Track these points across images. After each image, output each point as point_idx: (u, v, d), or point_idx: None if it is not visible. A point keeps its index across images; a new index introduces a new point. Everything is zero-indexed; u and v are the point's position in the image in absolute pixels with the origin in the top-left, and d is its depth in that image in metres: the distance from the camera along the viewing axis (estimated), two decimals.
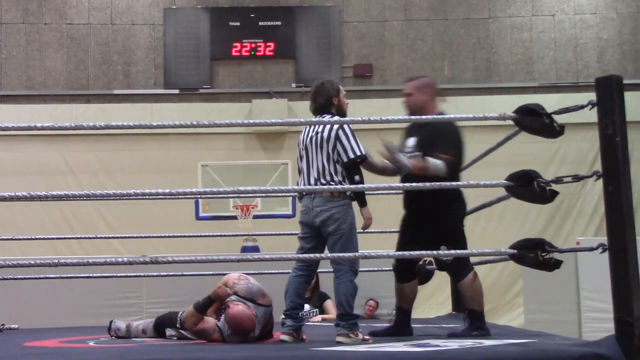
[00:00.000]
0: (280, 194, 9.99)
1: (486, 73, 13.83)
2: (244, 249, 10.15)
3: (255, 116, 12.67)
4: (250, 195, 9.54)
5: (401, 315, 5.87)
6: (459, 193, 5.72)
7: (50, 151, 12.88)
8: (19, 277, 7.73)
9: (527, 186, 4.79)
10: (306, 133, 5.62)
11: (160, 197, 7.96)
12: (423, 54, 13.84)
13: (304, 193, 5.48)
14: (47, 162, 12.84)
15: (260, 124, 12.07)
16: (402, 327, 5.79)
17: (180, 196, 8.49)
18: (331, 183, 5.33)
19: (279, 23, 13.61)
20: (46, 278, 7.74)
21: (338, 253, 5.25)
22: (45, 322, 8.27)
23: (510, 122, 4.93)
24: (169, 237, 9.46)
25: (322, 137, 5.44)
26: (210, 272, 7.31)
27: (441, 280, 9.29)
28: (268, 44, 13.58)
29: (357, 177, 5.34)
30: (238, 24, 13.57)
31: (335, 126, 5.39)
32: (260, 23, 13.59)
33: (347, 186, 5.31)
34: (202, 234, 9.12)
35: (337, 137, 5.38)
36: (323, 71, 13.55)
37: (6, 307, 8.33)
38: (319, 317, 8.61)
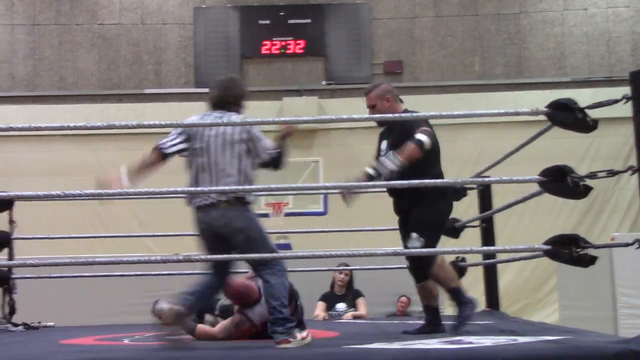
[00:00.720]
0: (311, 192, 10.01)
1: (517, 69, 13.73)
2: (277, 247, 10.16)
3: (285, 114, 12.67)
4: (282, 192, 9.56)
5: (430, 314, 5.84)
6: (444, 193, 5.67)
7: (83, 151, 12.98)
8: (54, 275, 7.81)
9: (560, 182, 4.75)
10: (207, 129, 5.13)
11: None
12: (453, 50, 13.77)
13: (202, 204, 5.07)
14: (80, 161, 12.93)
15: (290, 122, 12.06)
16: (433, 325, 5.77)
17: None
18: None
19: (309, 21, 13.60)
20: (81, 276, 7.82)
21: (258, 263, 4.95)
22: (80, 320, 8.34)
23: (543, 118, 4.89)
24: None
25: (232, 138, 5.00)
26: (243, 270, 7.33)
27: (474, 277, 9.25)
28: (298, 41, 13.59)
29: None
30: (268, 22, 13.60)
31: (247, 127, 5.04)
32: (289, 21, 13.59)
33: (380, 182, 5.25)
34: None
35: (251, 139, 5.03)
36: (353, 68, 13.56)
37: (42, 305, 8.41)
38: (350, 314, 8.61)
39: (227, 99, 5.22)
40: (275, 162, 5.23)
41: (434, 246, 5.53)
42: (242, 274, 5.96)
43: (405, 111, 5.79)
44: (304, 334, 4.92)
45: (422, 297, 5.90)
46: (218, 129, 5.01)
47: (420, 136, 5.39)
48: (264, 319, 5.52)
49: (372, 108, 5.87)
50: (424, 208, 5.56)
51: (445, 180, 5.26)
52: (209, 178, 5.04)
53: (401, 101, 5.93)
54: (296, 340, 4.77)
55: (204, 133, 5.06)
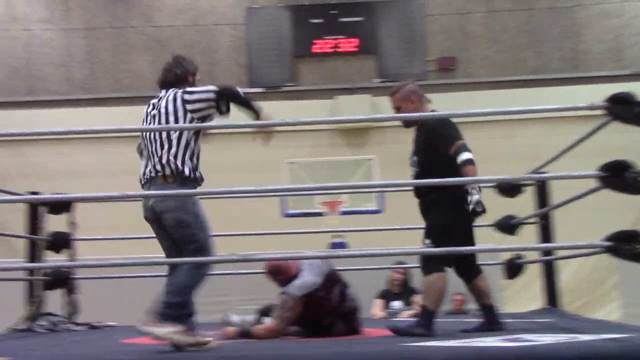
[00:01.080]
0: (365, 190, 9.99)
1: (572, 62, 13.53)
2: (332, 246, 10.17)
3: (338, 112, 12.69)
4: (337, 191, 9.57)
5: (486, 312, 5.79)
6: (464, 198, 5.48)
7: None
8: (115, 275, 7.92)
9: (619, 177, 4.67)
10: (146, 114, 5.12)
11: (247, 194, 8.05)
12: (507, 45, 13.63)
13: (143, 182, 4.95)
14: (137, 162, 13.07)
15: (344, 120, 12.06)
16: (490, 323, 5.71)
17: (266, 193, 8.58)
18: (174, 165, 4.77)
19: (361, 19, 13.60)
20: (140, 277, 7.92)
21: (187, 248, 4.68)
22: (140, 320, 8.44)
23: (600, 112, 4.81)
24: (257, 234, 9.56)
25: (166, 110, 4.91)
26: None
27: (531, 274, 9.15)
28: (350, 40, 13.58)
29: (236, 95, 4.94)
30: (319, 20, 13.62)
31: (179, 95, 4.91)
32: (341, 19, 13.60)
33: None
34: (289, 231, 9.20)
35: (187, 101, 4.89)
36: (406, 65, 13.51)
37: (104, 305, 8.55)
38: (407, 313, 8.58)
39: (169, 80, 5.12)
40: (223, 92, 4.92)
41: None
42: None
43: (432, 111, 5.73)
44: (189, 335, 4.57)
45: (474, 297, 5.86)
46: (159, 107, 4.97)
47: (464, 155, 5.34)
48: (305, 291, 5.54)
49: (398, 110, 5.84)
50: (439, 213, 5.50)
51: (502, 177, 5.20)
52: (146, 153, 4.96)
53: (428, 101, 5.87)
54: (162, 330, 4.48)
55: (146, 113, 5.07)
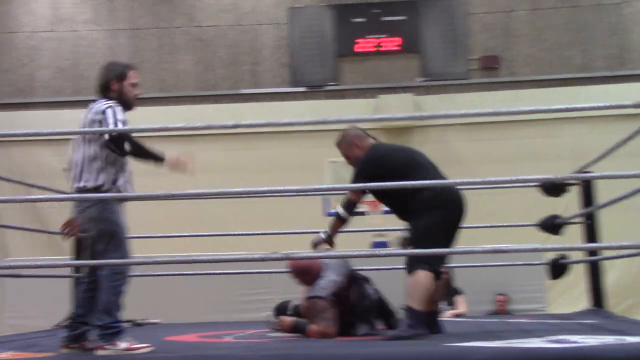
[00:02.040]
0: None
1: (619, 60, 13.34)
2: (375, 245, 10.16)
3: (381, 112, 12.65)
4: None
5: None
6: (438, 203, 5.50)
7: (183, 151, 13.20)
8: (157, 273, 8.00)
9: None
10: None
11: (289, 194, 8.07)
12: (551, 44, 13.48)
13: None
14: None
15: (387, 119, 12.05)
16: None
17: (309, 193, 8.60)
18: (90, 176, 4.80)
19: (403, 18, 13.54)
20: (183, 275, 7.99)
21: (103, 260, 4.71)
22: (183, 317, 8.53)
23: None
24: (299, 233, 9.56)
25: (84, 123, 4.89)
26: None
27: (576, 275, 9.04)
28: (392, 39, 13.54)
29: (126, 147, 4.79)
30: (362, 20, 13.59)
31: (101, 108, 4.86)
32: (384, 18, 13.56)
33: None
34: None
35: (100, 121, 4.84)
36: (449, 64, 13.44)
37: (148, 303, 8.64)
38: (450, 313, 8.54)
39: (99, 87, 5.13)
40: (113, 142, 4.77)
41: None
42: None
43: (370, 146, 5.80)
44: (132, 345, 4.60)
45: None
46: (85, 118, 4.93)
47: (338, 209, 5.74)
48: (330, 291, 5.56)
49: (347, 159, 5.88)
50: (415, 222, 5.56)
51: (542, 176, 5.13)
52: (77, 169, 4.94)
53: (369, 136, 5.91)
54: (114, 349, 4.54)
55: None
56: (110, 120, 4.78)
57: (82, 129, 4.81)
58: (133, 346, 4.60)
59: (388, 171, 5.53)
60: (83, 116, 4.95)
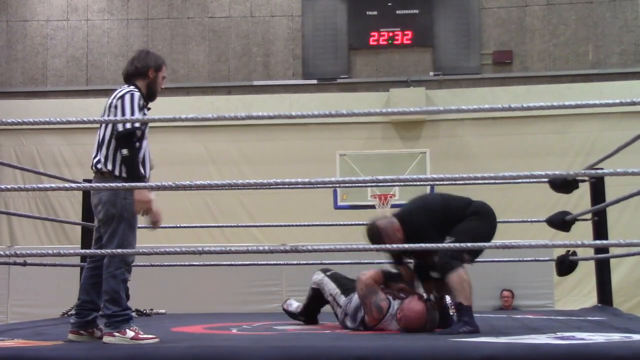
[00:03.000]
0: (418, 183, 9.93)
1: (634, 57, 13.26)
2: None
3: (392, 105, 12.62)
4: (389, 184, 9.53)
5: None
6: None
7: (194, 142, 13.25)
8: (166, 264, 8.01)
9: None
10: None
11: (299, 186, 8.06)
12: (566, 39, 13.42)
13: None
14: (191, 152, 13.23)
15: (398, 113, 12.04)
16: None
17: (319, 185, 8.59)
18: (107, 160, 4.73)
19: (417, 11, 13.50)
20: (191, 265, 8.00)
21: (108, 243, 4.69)
22: (190, 308, 8.55)
23: None
24: (308, 225, 9.58)
25: (108, 105, 4.85)
26: (349, 261, 7.35)
27: (584, 272, 9.01)
28: (406, 32, 13.50)
29: (124, 151, 4.66)
30: (375, 13, 13.56)
31: (120, 94, 4.83)
32: (397, 12, 13.52)
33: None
34: (341, 223, 9.21)
35: (116, 106, 4.79)
36: (462, 59, 13.40)
37: (154, 293, 8.66)
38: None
39: (130, 72, 5.01)
40: (121, 140, 4.70)
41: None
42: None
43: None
44: (140, 334, 4.61)
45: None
46: (108, 101, 4.88)
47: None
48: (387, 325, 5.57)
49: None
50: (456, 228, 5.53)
51: (557, 172, 5.12)
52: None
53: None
54: (122, 337, 4.54)
55: None
56: (128, 110, 4.76)
57: (99, 118, 4.78)
58: (140, 335, 4.62)
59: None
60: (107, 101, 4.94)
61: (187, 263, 8.01)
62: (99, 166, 4.78)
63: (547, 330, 5.23)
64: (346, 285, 6.00)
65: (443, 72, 13.35)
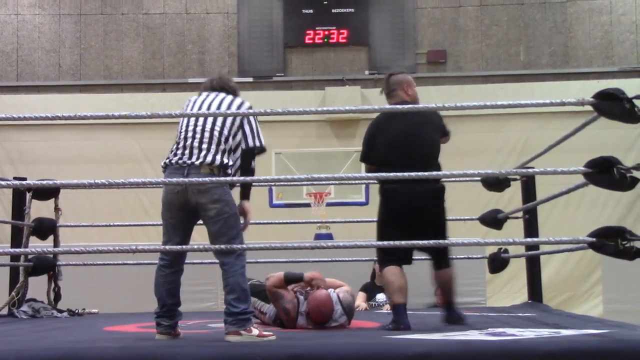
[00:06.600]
0: (353, 182, 9.99)
1: (563, 58, 13.54)
2: (318, 237, 10.16)
3: (328, 104, 12.65)
4: (324, 182, 9.54)
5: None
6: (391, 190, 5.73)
7: (128, 139, 13.08)
8: (99, 262, 7.90)
9: (606, 173, 4.68)
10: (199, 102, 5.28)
11: (237, 185, 8.01)
12: (498, 40, 13.63)
13: (168, 164, 5.01)
14: (124, 150, 13.06)
15: (333, 112, 12.08)
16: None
17: (254, 183, 8.54)
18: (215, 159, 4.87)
19: (352, 10, 13.55)
20: (124, 264, 7.89)
21: (232, 240, 4.83)
22: (123, 307, 8.43)
23: (589, 108, 4.82)
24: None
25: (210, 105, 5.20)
26: (284, 260, 7.35)
27: (516, 269, 9.17)
28: (341, 31, 13.55)
29: (253, 164, 5.04)
30: (311, 11, 13.57)
31: (243, 109, 5.21)
32: (333, 10, 13.55)
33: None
34: (276, 221, 9.18)
35: (243, 120, 5.17)
36: (396, 58, 13.49)
37: (86, 292, 8.53)
38: (387, 307, 8.57)
39: (225, 87, 5.46)
40: (252, 157, 5.24)
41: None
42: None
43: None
44: (263, 332, 4.69)
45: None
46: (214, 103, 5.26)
47: None
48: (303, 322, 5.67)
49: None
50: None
51: (484, 171, 5.20)
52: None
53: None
54: (248, 335, 4.58)
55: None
56: (255, 132, 5.16)
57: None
58: (264, 333, 4.67)
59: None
60: (204, 97, 5.21)
61: (120, 262, 7.90)
62: (216, 162, 4.80)
63: (480, 326, 5.31)
64: (263, 292, 6.10)
65: (378, 71, 13.41)
